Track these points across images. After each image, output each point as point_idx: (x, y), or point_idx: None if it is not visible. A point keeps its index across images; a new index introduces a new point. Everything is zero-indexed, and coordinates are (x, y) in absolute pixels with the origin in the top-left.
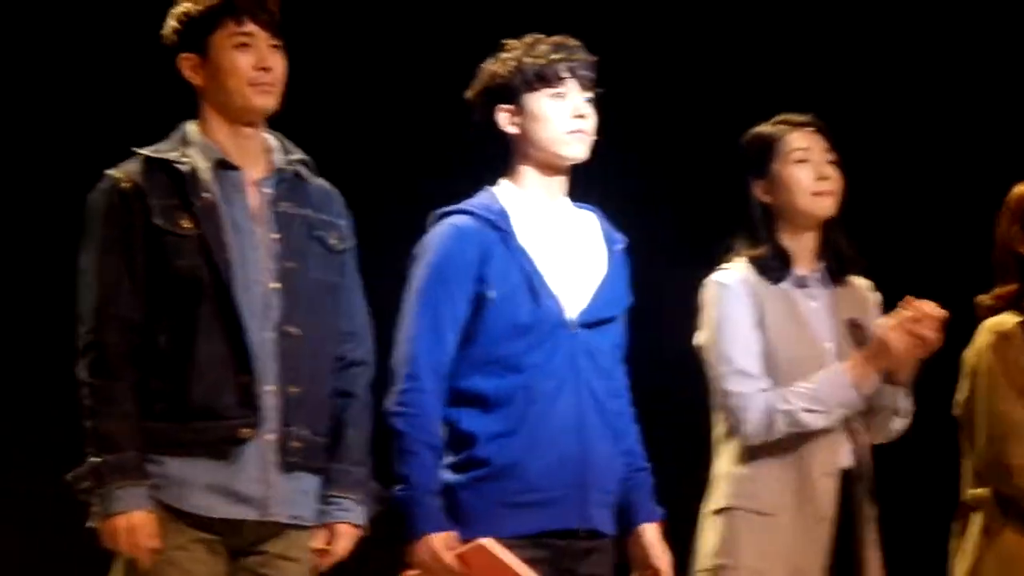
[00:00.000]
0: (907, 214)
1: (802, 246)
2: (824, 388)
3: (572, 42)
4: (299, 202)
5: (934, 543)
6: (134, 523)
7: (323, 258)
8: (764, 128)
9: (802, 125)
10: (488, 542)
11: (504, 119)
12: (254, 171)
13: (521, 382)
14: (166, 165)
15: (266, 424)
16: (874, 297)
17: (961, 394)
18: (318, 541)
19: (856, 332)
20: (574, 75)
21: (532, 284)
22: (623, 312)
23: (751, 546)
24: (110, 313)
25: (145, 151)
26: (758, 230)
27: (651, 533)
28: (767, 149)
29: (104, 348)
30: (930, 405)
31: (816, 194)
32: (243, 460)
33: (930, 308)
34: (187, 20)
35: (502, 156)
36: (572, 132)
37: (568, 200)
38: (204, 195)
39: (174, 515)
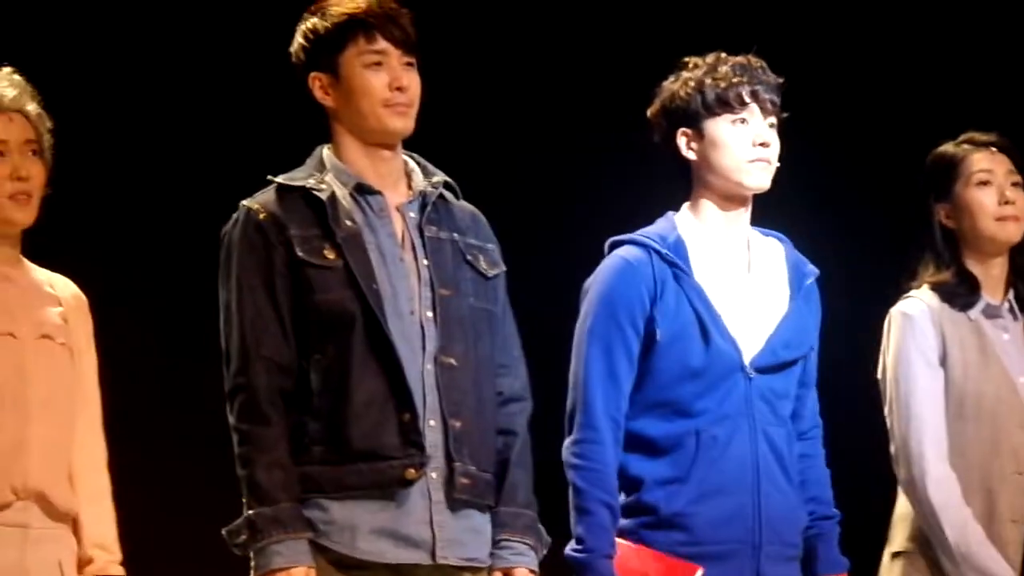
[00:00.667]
0: None
1: (990, 274)
2: (976, 555)
3: (756, 62)
4: (446, 226)
5: None
6: None
7: (476, 283)
8: (947, 148)
9: (986, 145)
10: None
11: (684, 143)
12: (395, 195)
13: (692, 427)
14: (304, 193)
15: (431, 462)
16: None
17: None
18: None
19: None
20: (757, 99)
21: (704, 324)
22: (806, 353)
23: None
24: (257, 354)
25: (280, 179)
26: (942, 255)
27: None
28: (949, 171)
29: (253, 391)
30: None
31: (1000, 219)
32: (409, 501)
33: None
34: (315, 38)
35: (684, 179)
36: (753, 161)
37: (752, 229)
38: (347, 223)
39: (337, 565)
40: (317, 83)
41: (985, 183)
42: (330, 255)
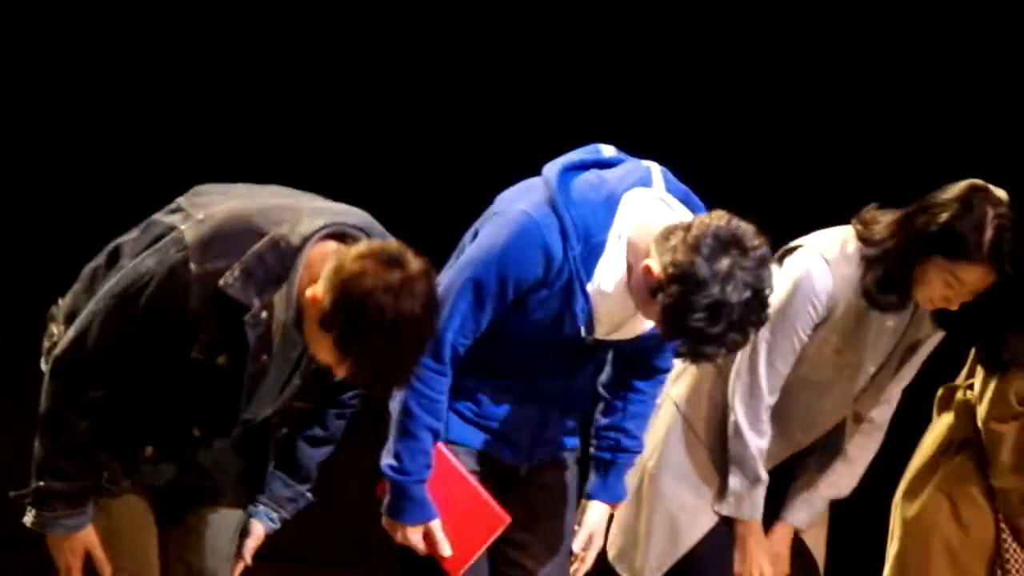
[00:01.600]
0: None
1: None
2: (749, 464)
3: None
4: None
5: None
6: (75, 544)
7: (343, 387)
8: (976, 228)
9: (995, 268)
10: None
11: None
12: None
13: (512, 348)
14: (237, 318)
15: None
16: (937, 334)
17: None
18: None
19: (907, 355)
20: None
21: (564, 328)
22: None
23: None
24: (104, 370)
25: (233, 292)
26: (900, 262)
27: (598, 512)
28: (949, 245)
29: (81, 394)
30: None
31: (928, 302)
32: None
33: None
34: (347, 314)
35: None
36: None
37: None
38: (262, 360)
39: None
40: (316, 301)
41: (951, 287)
42: (221, 361)
